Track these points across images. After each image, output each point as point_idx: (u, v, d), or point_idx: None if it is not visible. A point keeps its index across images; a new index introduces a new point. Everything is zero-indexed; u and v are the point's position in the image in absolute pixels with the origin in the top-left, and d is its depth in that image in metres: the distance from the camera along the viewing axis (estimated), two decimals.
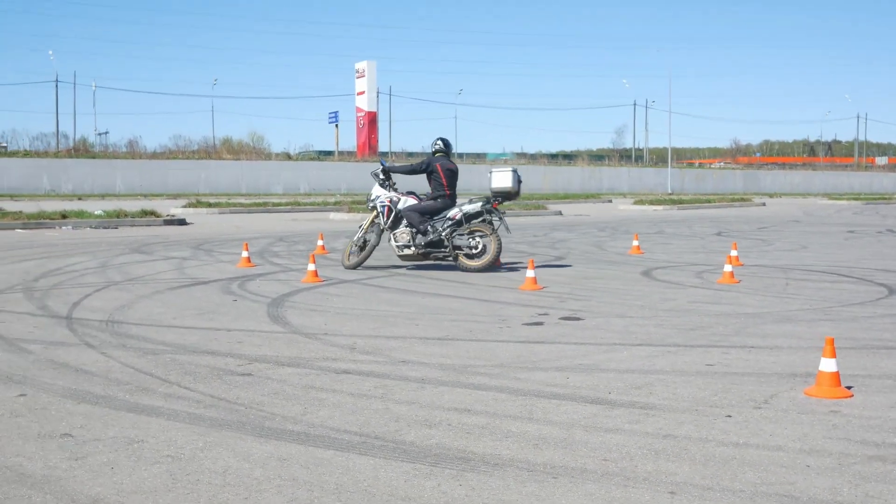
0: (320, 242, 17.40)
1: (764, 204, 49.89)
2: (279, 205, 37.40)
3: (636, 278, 13.31)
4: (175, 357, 7.50)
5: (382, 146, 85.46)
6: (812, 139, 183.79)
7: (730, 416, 5.67)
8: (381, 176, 14.79)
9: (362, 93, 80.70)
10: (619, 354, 7.61)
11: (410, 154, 78.31)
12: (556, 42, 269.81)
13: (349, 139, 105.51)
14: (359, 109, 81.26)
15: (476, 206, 14.16)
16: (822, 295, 11.40)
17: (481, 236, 14.03)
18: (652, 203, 43.70)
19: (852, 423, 5.53)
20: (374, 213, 14.55)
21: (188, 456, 4.87)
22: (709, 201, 47.22)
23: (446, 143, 14.96)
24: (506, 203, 15.33)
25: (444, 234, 13.98)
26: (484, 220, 14.07)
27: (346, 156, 77.69)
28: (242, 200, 42.11)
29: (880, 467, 4.71)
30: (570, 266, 14.76)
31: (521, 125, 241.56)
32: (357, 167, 62.34)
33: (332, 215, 31.63)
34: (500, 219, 14.15)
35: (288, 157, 68.23)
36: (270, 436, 5.26)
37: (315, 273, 12.65)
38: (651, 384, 6.53)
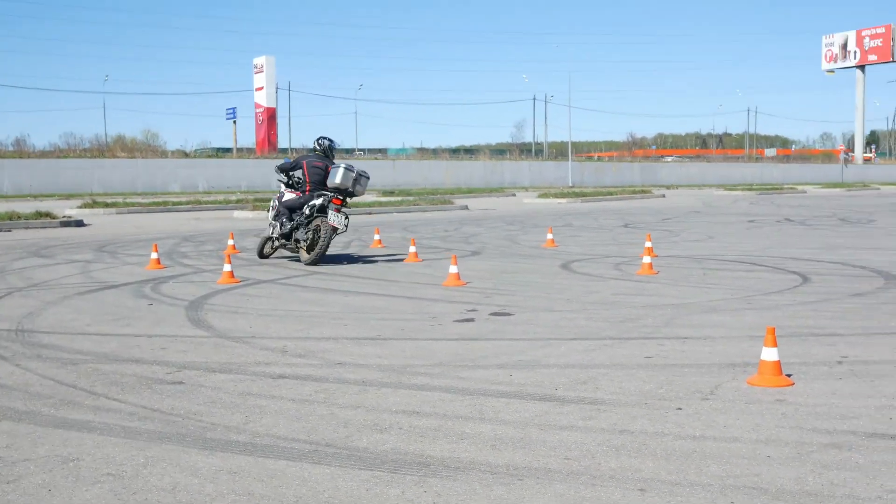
0: (231, 242, 16.98)
1: (663, 196, 50.69)
2: (179, 204, 36.53)
3: (556, 271, 13.28)
4: (97, 366, 7.16)
5: (282, 143, 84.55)
6: (704, 132, 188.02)
7: (680, 409, 5.61)
8: (280, 175, 15.30)
9: (261, 88, 79.62)
10: (556, 349, 7.52)
11: (311, 150, 77.50)
12: (456, 37, 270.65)
13: (248, 136, 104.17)
14: (257, 105, 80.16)
15: (319, 201, 14.43)
16: (741, 284, 11.51)
17: (315, 230, 14.31)
18: (556, 196, 44.03)
19: (800, 412, 5.53)
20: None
21: (130, 473, 4.60)
22: (610, 194, 47.77)
23: (322, 142, 15.41)
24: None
25: (290, 226, 14.53)
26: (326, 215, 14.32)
27: (245, 153, 76.48)
28: (140, 200, 41.03)
29: (838, 455, 4.70)
30: (488, 261, 14.66)
31: (422, 120, 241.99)
32: (257, 164, 61.35)
33: (237, 214, 31.03)
34: (340, 213, 14.24)
35: (185, 154, 66.85)
36: (215, 447, 5.01)
37: (231, 274, 12.31)
38: (595, 379, 6.45)
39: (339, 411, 5.71)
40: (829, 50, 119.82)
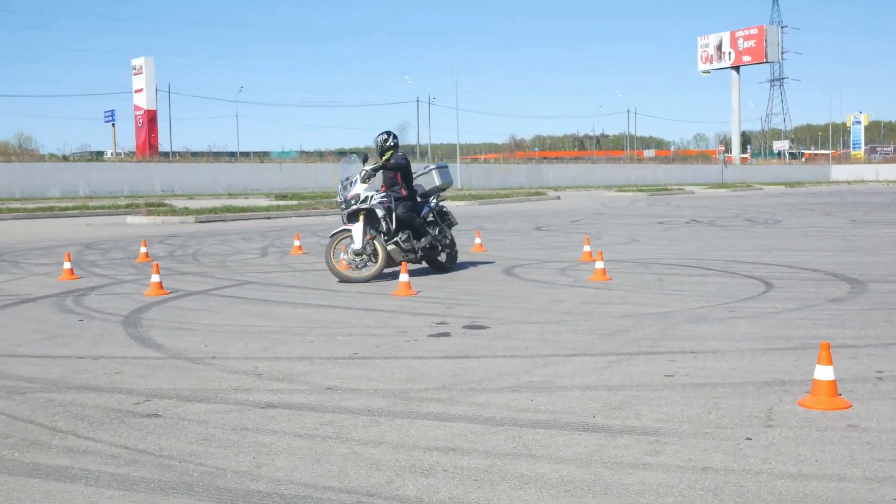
0: (143, 249, 15.88)
1: (559, 197, 50.65)
2: (67, 209, 34.78)
3: (503, 278, 12.64)
4: (48, 396, 6.22)
5: (163, 146, 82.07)
6: (581, 133, 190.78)
7: (749, 439, 5.01)
8: (365, 168, 12.63)
9: (140, 90, 76.99)
10: (561, 368, 6.87)
11: (195, 154, 75.56)
12: (337, 38, 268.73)
13: (129, 139, 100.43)
14: (137, 108, 77.49)
15: (438, 203, 13.43)
16: (705, 290, 11.07)
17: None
18: (454, 199, 43.42)
19: (884, 440, 4.97)
20: (359, 214, 12.42)
21: None
22: (507, 196, 47.46)
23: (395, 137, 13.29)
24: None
25: (433, 235, 13.05)
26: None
27: (125, 156, 73.94)
28: (18, 205, 38.93)
29: None
30: (426, 267, 13.92)
31: (302, 122, 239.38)
32: (139, 168, 59.35)
33: (130, 219, 29.59)
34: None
35: (64, 158, 64.19)
36: (236, 500, 4.19)
37: (160, 285, 11.31)
38: (629, 403, 5.81)
39: (361, 449, 4.93)
40: (705, 51, 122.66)
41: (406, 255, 12.57)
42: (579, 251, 16.29)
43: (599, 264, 12.30)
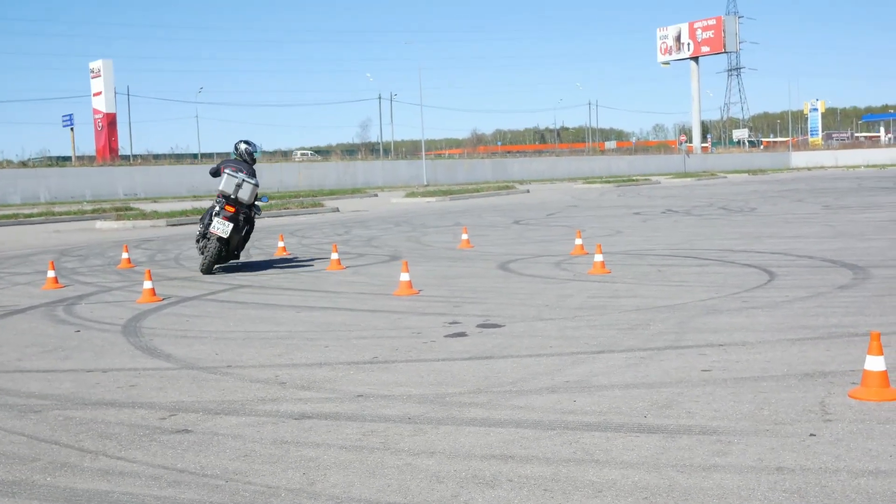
0: (125, 255, 15.52)
1: (528, 191, 50.52)
2: (31, 216, 34.13)
3: (501, 275, 12.45)
4: (66, 414, 5.94)
5: (124, 149, 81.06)
6: (542, 127, 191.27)
7: (813, 435, 4.85)
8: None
9: (99, 93, 75.95)
10: (593, 366, 6.69)
11: (157, 156, 74.71)
12: (297, 36, 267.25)
13: (88, 143, 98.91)
14: (96, 111, 76.44)
15: (216, 208, 13.75)
16: (709, 280, 10.95)
17: (208, 238, 13.76)
18: (424, 195, 43.22)
19: None
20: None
21: None
22: (476, 191, 47.22)
23: (240, 146, 14.51)
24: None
25: (198, 234, 14.31)
26: None
27: (86, 161, 72.75)
28: None
29: None
30: (416, 265, 13.70)
31: (262, 122, 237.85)
32: (101, 172, 58.54)
33: (99, 224, 29.07)
34: (227, 220, 13.44)
35: (24, 164, 63.11)
36: None
37: (153, 291, 11.00)
38: (676, 401, 5.63)
39: (414, 460, 4.72)
40: (664, 42, 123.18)
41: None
42: (568, 244, 16.17)
43: (598, 257, 12.14)
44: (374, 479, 4.46)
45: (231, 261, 14.01)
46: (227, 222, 13.18)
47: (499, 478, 4.40)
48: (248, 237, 14.15)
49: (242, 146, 14.39)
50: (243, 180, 13.44)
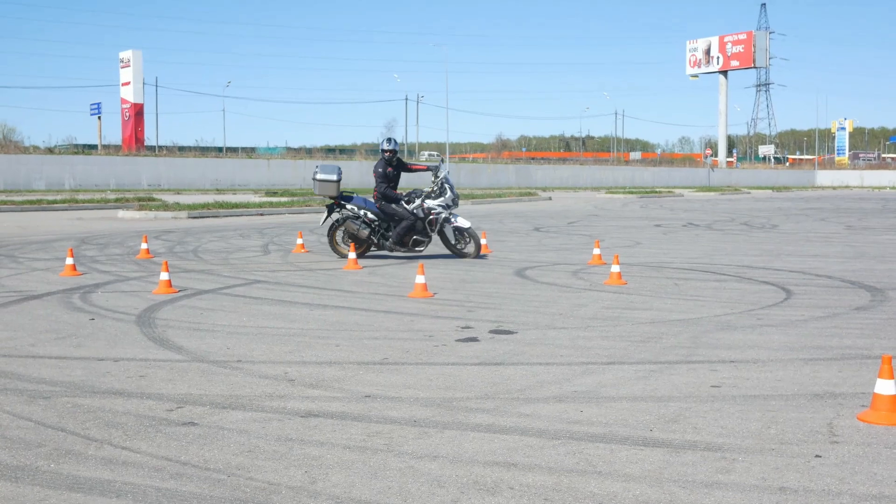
0: (144, 245, 15.60)
1: (550, 198, 50.48)
2: (55, 202, 34.37)
3: (517, 281, 12.44)
4: (74, 401, 5.97)
5: (150, 140, 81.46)
6: (567, 134, 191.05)
7: (819, 457, 4.81)
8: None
9: (127, 83, 76.39)
10: (602, 377, 6.67)
11: (182, 148, 75.04)
12: (325, 36, 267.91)
13: (115, 132, 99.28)
14: (124, 101, 76.89)
15: None
16: (726, 296, 10.88)
17: None
18: None
19: None
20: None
21: None
22: (499, 196, 47.20)
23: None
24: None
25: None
26: None
27: (111, 150, 73.19)
28: (4, 198, 38.46)
29: None
30: (434, 269, 13.70)
31: (288, 119, 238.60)
32: (126, 161, 58.85)
33: (121, 213, 29.24)
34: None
35: (50, 151, 63.52)
36: None
37: (169, 283, 11.05)
38: (683, 416, 5.61)
39: (417, 463, 4.71)
40: (693, 55, 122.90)
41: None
42: (586, 254, 16.14)
43: (615, 268, 12.11)
44: (375, 481, 4.46)
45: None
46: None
47: (500, 485, 4.39)
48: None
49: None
50: (315, 179, 15.64)
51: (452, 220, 15.33)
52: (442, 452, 4.89)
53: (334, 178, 15.39)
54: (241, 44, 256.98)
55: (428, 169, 15.87)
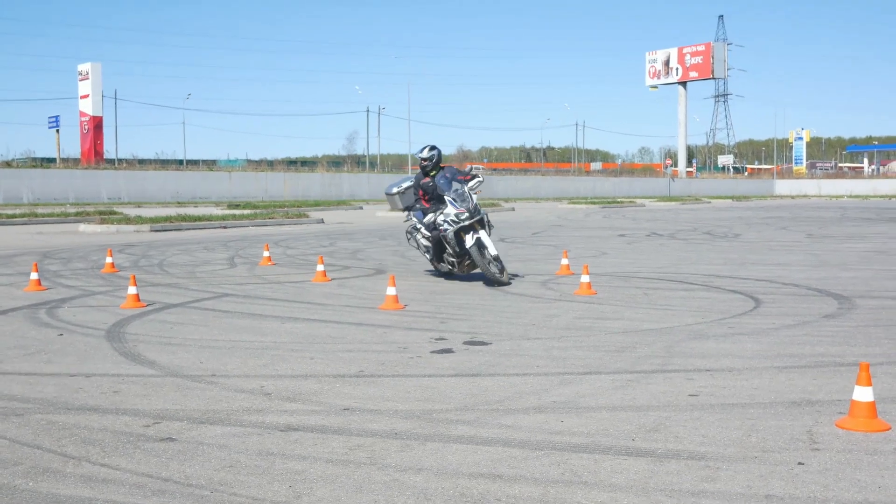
0: (109, 259, 15.44)
1: (513, 209, 50.61)
2: (14, 216, 34.00)
3: (488, 291, 12.44)
4: (48, 418, 5.88)
5: (109, 153, 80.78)
6: (528, 145, 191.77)
7: (802, 464, 4.84)
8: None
9: (86, 96, 75.87)
10: (580, 387, 6.67)
11: (142, 161, 74.49)
12: (287, 47, 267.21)
13: (74, 145, 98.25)
14: (83, 114, 76.34)
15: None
16: (696, 305, 10.94)
17: None
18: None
19: None
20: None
21: None
22: None
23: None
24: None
25: None
26: None
27: (70, 163, 72.48)
28: None
29: None
30: (404, 280, 13.67)
31: (249, 131, 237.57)
32: (85, 175, 58.33)
33: (83, 227, 28.93)
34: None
35: (7, 164, 62.75)
36: None
37: (137, 297, 10.93)
38: (664, 425, 5.62)
39: (402, 476, 4.68)
40: (653, 66, 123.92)
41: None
42: (553, 264, 16.19)
43: (585, 278, 12.14)
44: (360, 495, 4.42)
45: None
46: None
47: (487, 497, 4.37)
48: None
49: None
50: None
51: (471, 234, 12.89)
52: (426, 465, 4.87)
53: (392, 190, 14.19)
54: (201, 56, 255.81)
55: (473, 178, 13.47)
